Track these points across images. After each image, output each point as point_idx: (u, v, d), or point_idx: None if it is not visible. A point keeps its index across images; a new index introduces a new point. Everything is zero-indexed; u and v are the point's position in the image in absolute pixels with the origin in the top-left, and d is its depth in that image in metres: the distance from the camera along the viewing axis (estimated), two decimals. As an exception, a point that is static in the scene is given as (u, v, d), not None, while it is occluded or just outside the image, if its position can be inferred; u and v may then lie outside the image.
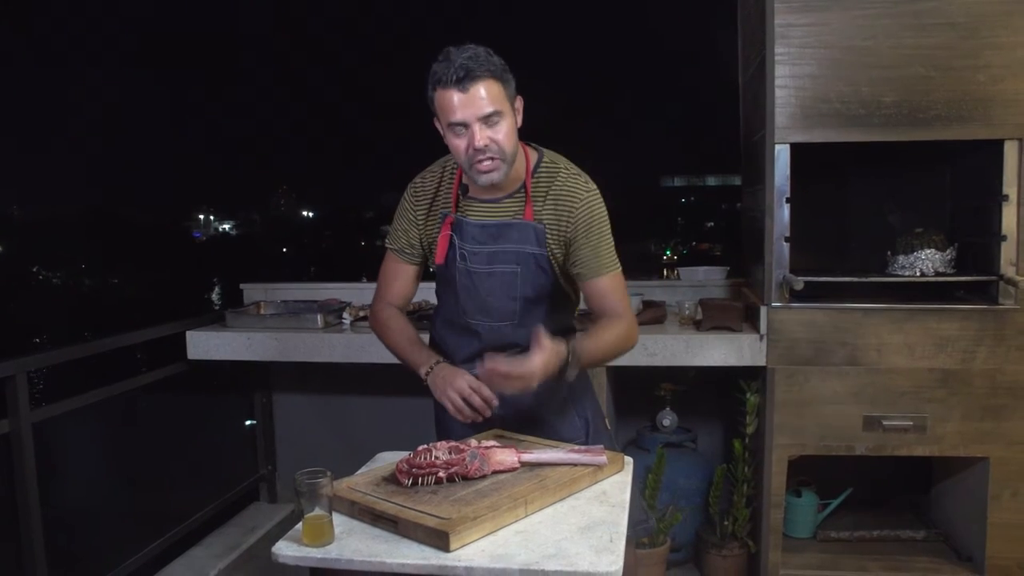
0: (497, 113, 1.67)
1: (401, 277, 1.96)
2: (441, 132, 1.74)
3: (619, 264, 1.86)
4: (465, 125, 1.67)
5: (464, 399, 1.72)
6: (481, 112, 1.65)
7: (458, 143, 1.69)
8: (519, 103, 1.75)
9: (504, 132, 1.69)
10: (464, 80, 1.63)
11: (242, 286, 3.88)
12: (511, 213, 1.81)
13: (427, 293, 2.78)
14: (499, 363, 1.59)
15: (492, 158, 1.68)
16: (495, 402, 1.72)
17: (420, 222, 1.89)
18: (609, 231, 1.84)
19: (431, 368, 1.80)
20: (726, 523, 2.99)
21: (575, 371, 1.73)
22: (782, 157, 2.64)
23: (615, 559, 1.25)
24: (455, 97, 1.64)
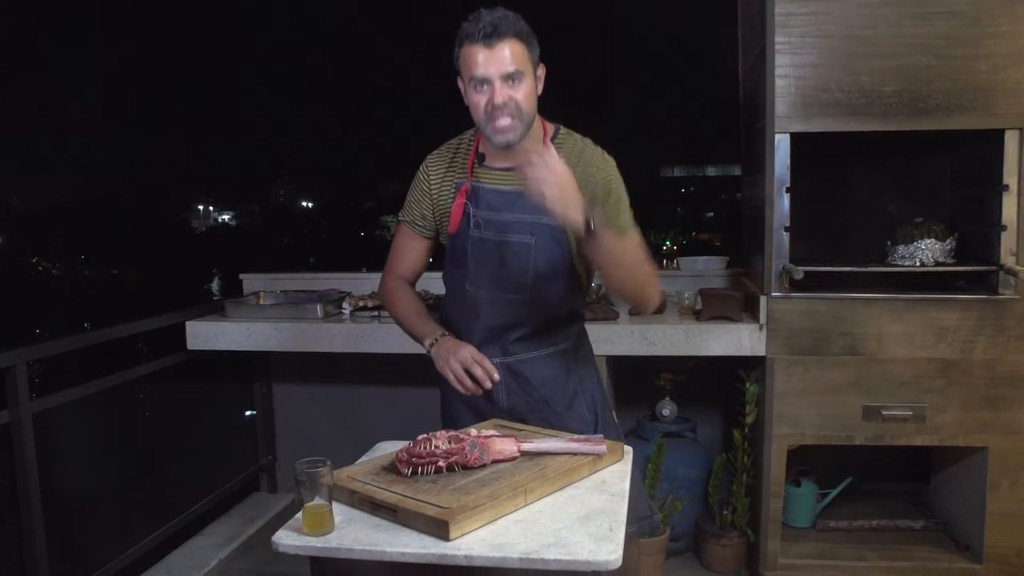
0: (519, 72, 1.68)
1: (412, 250, 1.96)
2: (463, 90, 1.76)
3: (637, 228, 1.83)
4: (487, 81, 1.68)
5: (466, 369, 1.72)
6: (504, 69, 1.67)
7: (478, 99, 1.71)
8: (541, 71, 1.77)
9: (524, 92, 1.70)
10: (491, 36, 1.65)
11: (242, 276, 3.87)
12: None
13: (428, 282, 2.78)
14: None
15: (510, 116, 1.70)
16: (496, 376, 1.72)
17: (434, 192, 1.89)
18: (627, 199, 1.84)
19: (436, 340, 1.80)
20: (725, 512, 2.99)
21: (599, 220, 1.60)
22: (782, 147, 2.63)
23: (614, 548, 1.25)
24: (480, 53, 1.67)
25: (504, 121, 1.70)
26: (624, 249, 1.69)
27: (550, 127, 1.86)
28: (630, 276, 1.73)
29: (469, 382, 1.72)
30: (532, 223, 1.80)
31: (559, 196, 1.52)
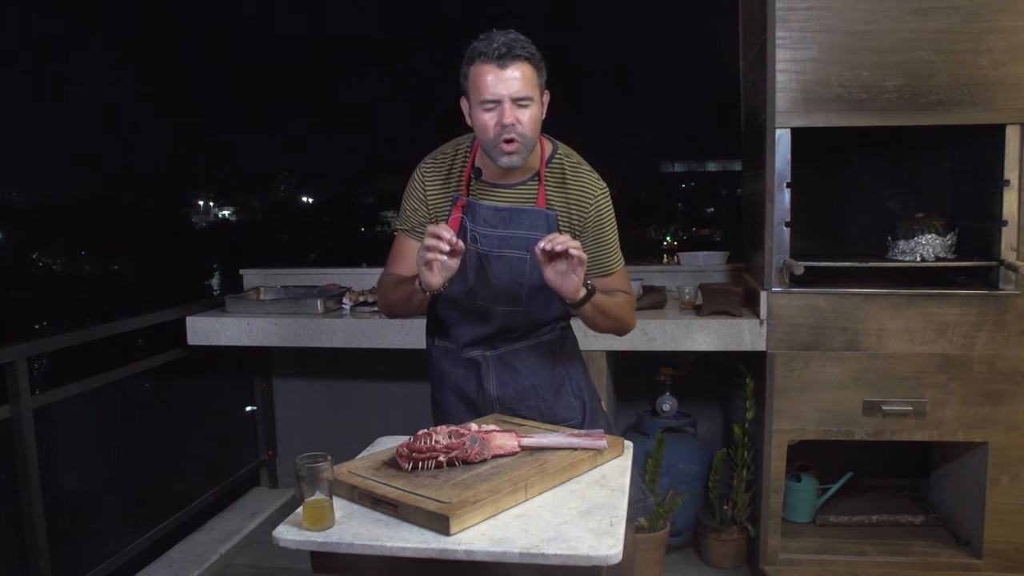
0: (528, 98, 1.70)
1: (411, 256, 1.92)
2: (466, 112, 1.76)
3: (623, 259, 1.92)
4: (497, 101, 1.69)
5: (432, 238, 1.60)
6: (514, 92, 1.68)
7: (486, 119, 1.71)
8: (546, 97, 1.78)
9: (530, 117, 1.71)
10: (504, 57, 1.66)
11: (242, 272, 3.87)
12: (524, 199, 1.83)
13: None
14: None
15: (516, 138, 1.70)
16: (457, 241, 1.61)
17: (431, 202, 1.89)
18: (616, 228, 1.89)
19: None
20: (726, 508, 3.00)
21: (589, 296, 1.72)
22: (783, 142, 2.63)
23: (615, 543, 1.25)
24: (492, 73, 1.67)
25: (511, 144, 1.70)
26: (609, 305, 1.81)
27: (548, 145, 1.86)
28: (613, 324, 1.86)
29: (437, 253, 1.59)
30: (527, 238, 1.81)
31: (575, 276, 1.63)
